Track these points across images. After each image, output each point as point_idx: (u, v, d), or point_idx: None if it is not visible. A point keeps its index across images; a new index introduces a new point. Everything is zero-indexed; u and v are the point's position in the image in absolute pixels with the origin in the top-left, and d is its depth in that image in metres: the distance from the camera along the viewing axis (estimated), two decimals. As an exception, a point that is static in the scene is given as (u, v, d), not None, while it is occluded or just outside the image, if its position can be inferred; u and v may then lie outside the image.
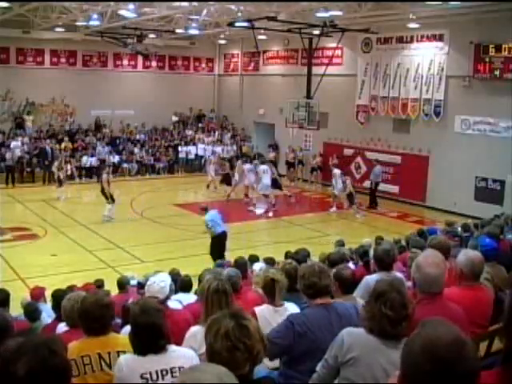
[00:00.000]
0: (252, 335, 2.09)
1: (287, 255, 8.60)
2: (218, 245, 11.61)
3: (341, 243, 9.95)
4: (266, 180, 17.45)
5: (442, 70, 17.73)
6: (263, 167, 17.93)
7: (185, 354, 3.11)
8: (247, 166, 18.91)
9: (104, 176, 16.32)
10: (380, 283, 2.90)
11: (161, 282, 4.44)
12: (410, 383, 1.62)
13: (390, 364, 2.59)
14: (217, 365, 1.72)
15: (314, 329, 3.44)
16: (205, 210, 12.15)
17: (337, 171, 17.87)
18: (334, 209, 17.80)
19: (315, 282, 3.55)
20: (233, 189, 19.19)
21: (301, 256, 7.50)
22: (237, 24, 18.46)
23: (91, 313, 3.32)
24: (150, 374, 2.96)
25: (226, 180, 19.81)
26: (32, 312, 5.89)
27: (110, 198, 15.83)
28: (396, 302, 2.71)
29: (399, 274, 4.79)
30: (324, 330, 3.41)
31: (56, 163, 19.20)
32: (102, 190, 15.91)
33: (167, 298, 4.51)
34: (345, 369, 2.80)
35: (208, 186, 20.79)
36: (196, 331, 3.63)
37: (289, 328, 3.47)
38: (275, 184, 18.09)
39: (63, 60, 24.09)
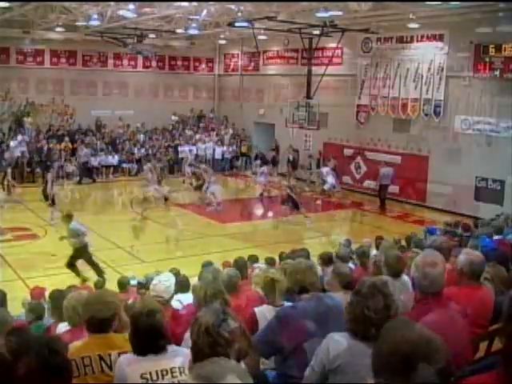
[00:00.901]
0: (232, 330, 2.10)
1: (281, 256, 8.58)
2: (79, 256, 10.69)
3: (347, 243, 9.95)
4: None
5: (442, 69, 17.71)
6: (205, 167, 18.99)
7: (185, 353, 3.11)
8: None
9: (49, 175, 16.03)
10: (362, 285, 2.83)
11: (166, 282, 4.46)
12: None
13: None
14: (234, 361, 1.71)
15: (301, 319, 3.44)
16: (70, 217, 10.95)
17: (323, 169, 17.80)
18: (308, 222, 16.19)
19: (301, 280, 3.58)
20: None
21: (298, 256, 7.45)
22: (237, 24, 18.46)
23: (94, 307, 3.32)
24: (150, 374, 2.97)
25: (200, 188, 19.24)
26: (40, 310, 5.90)
27: (51, 201, 15.47)
28: (379, 305, 2.68)
29: (408, 278, 4.66)
30: (312, 319, 3.42)
31: (9, 169, 18.46)
32: (44, 191, 15.57)
33: (172, 297, 4.52)
34: (333, 375, 2.78)
35: (184, 182, 21.30)
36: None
37: (275, 322, 3.51)
38: None
39: (63, 60, 24.06)
